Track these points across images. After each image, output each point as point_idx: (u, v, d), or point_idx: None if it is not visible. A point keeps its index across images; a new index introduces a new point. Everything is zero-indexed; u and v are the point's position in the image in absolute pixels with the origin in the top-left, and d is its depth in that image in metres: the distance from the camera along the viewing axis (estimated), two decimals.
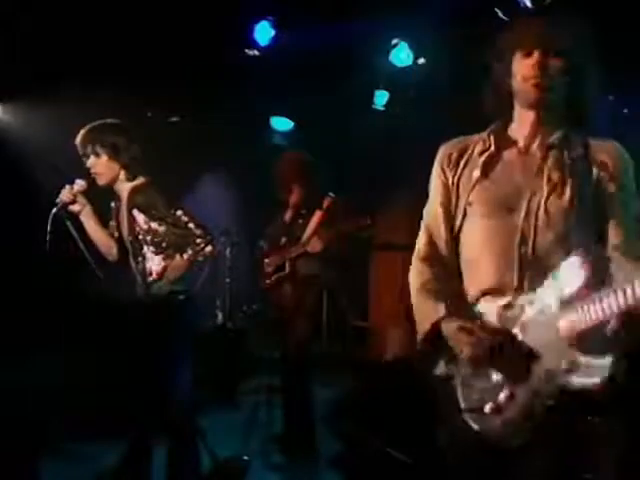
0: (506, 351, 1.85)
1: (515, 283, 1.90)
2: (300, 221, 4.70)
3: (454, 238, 2.07)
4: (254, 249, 5.12)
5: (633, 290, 1.60)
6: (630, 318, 1.61)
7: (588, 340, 1.73)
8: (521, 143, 1.99)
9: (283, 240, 4.78)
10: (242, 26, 5.88)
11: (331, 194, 4.64)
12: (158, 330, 3.35)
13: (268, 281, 4.80)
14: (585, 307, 1.70)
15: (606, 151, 1.91)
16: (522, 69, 1.92)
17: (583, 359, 1.73)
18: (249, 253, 5.63)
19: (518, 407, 1.85)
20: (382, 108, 6.71)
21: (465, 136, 2.12)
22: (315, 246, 4.51)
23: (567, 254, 1.80)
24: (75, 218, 3.48)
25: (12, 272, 4.88)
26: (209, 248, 3.39)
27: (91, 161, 3.42)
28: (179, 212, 3.37)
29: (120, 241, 3.56)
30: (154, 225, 3.39)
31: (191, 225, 3.36)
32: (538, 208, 1.91)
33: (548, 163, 1.93)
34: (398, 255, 5.99)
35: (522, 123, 1.99)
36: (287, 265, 4.68)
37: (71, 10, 4.79)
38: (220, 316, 6.56)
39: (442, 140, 2.17)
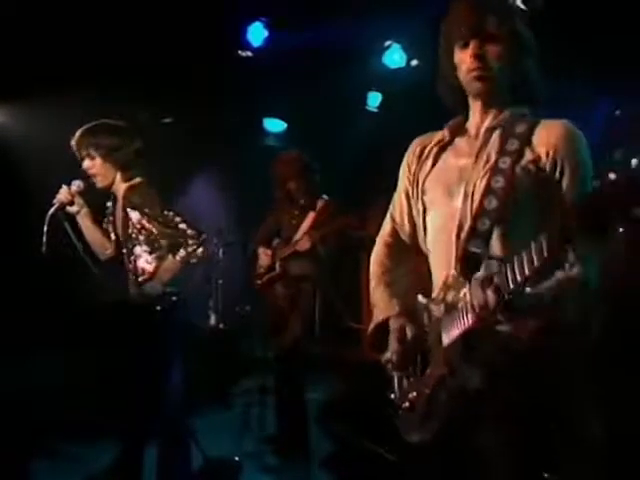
0: (424, 359, 1.90)
1: (451, 275, 1.85)
2: (293, 222, 4.69)
3: (422, 230, 2.06)
4: (247, 250, 5.11)
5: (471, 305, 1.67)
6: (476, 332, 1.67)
7: (460, 350, 1.77)
8: (472, 130, 1.96)
9: (276, 241, 4.79)
10: (235, 27, 5.88)
11: (324, 196, 4.64)
12: (150, 331, 3.34)
13: (259, 282, 4.80)
14: (452, 321, 1.77)
15: (552, 131, 1.84)
16: (462, 61, 1.90)
17: (462, 366, 1.76)
18: (242, 253, 5.62)
19: (419, 407, 1.91)
20: (375, 109, 6.73)
21: (434, 131, 2.10)
22: (303, 244, 4.51)
23: (504, 242, 1.79)
24: (72, 219, 3.48)
25: (8, 273, 4.86)
26: (201, 250, 3.38)
27: (86, 164, 3.41)
28: (172, 213, 3.37)
29: (115, 241, 3.56)
30: (148, 224, 3.38)
31: (184, 226, 3.35)
32: (474, 191, 1.85)
33: (488, 146, 1.89)
34: None
35: (473, 111, 1.97)
36: (277, 265, 4.69)
37: (66, 12, 4.78)
38: (213, 317, 6.55)
39: None
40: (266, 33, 5.93)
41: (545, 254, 1.46)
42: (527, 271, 1.52)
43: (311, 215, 4.61)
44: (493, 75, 1.87)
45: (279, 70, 5.89)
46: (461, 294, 1.77)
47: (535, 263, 1.49)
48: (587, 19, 4.63)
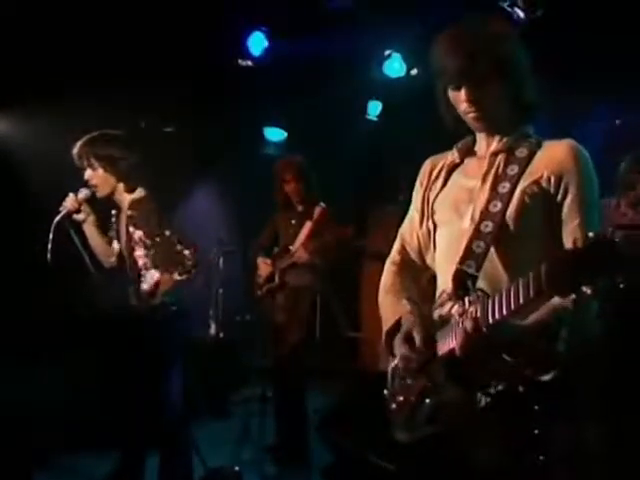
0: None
1: (445, 292, 1.89)
2: (290, 231, 4.69)
3: (432, 248, 2.08)
4: (247, 258, 5.11)
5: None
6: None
7: (445, 367, 1.79)
8: (480, 152, 1.99)
9: (275, 250, 4.79)
10: (236, 37, 5.90)
11: (322, 204, 4.65)
12: (150, 340, 3.35)
13: (259, 292, 4.80)
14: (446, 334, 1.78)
15: (556, 151, 1.85)
16: (457, 102, 1.91)
17: (445, 382, 1.78)
18: (242, 262, 5.62)
19: (404, 412, 1.92)
20: (375, 118, 6.74)
21: (445, 152, 2.12)
22: (300, 256, 4.52)
23: (508, 263, 1.81)
24: (77, 226, 3.48)
25: (12, 279, 4.85)
26: (195, 270, 3.36)
27: (88, 173, 3.42)
28: (169, 232, 3.36)
29: (119, 251, 3.56)
30: (147, 240, 3.38)
31: (180, 247, 3.34)
32: (481, 213, 1.87)
33: (493, 169, 1.90)
34: None
35: (479, 137, 2.00)
36: (276, 276, 4.69)
37: (67, 20, 4.79)
38: (213, 326, 6.54)
39: (434, 151, 2.18)
40: (266, 42, 5.94)
41: (531, 294, 1.47)
42: (512, 306, 1.54)
43: (308, 224, 4.61)
44: (491, 112, 1.89)
45: (279, 79, 5.90)
46: (452, 311, 1.80)
47: (521, 300, 1.51)
48: (586, 22, 4.64)
